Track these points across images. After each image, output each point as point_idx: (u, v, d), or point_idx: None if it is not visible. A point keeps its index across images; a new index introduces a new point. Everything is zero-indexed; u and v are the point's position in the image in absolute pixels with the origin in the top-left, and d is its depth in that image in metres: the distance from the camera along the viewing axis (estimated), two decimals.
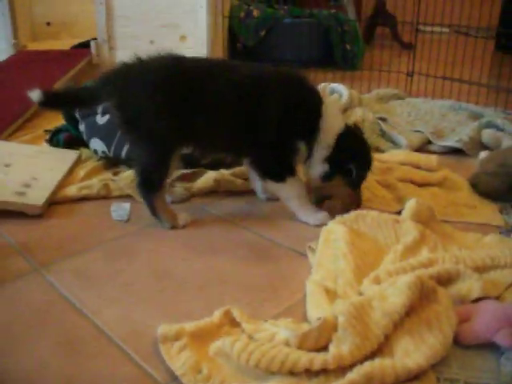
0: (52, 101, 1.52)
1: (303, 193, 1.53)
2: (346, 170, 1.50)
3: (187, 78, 1.44)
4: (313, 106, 1.50)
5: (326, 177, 1.52)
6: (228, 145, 1.54)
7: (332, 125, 1.50)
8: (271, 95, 1.46)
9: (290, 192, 1.52)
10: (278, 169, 1.51)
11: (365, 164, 1.54)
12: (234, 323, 1.05)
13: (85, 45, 3.26)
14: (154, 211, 1.49)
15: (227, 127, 1.48)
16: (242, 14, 3.66)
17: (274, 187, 1.53)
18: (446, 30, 3.61)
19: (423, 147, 2.10)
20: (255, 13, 3.67)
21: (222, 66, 1.56)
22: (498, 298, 1.14)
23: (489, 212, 1.58)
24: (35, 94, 1.46)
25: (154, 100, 1.41)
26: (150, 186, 1.47)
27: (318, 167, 1.52)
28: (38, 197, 1.57)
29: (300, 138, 1.49)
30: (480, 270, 1.20)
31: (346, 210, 1.45)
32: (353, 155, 1.51)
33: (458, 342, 1.01)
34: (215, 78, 1.46)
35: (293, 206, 1.53)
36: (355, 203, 1.53)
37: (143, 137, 1.44)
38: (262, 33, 3.66)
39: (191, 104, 1.43)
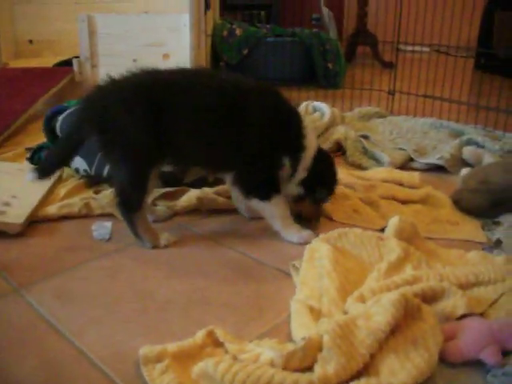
0: (50, 170, 1.51)
1: (287, 211, 1.52)
2: (314, 191, 1.54)
3: (162, 92, 1.42)
4: (296, 122, 1.51)
5: (299, 199, 1.55)
6: (209, 159, 1.51)
7: (311, 146, 1.52)
8: (254, 107, 1.45)
9: (274, 211, 1.51)
10: (263, 186, 1.50)
11: (331, 188, 1.58)
12: (218, 343, 1.03)
13: (67, 62, 3.24)
14: (135, 231, 1.47)
15: (208, 140, 1.45)
16: (225, 33, 3.69)
17: (259, 206, 1.51)
18: (426, 49, 3.67)
19: (405, 165, 2.11)
20: (238, 31, 3.70)
21: (199, 75, 1.53)
22: (482, 314, 1.14)
23: (471, 228, 1.59)
24: (30, 176, 1.46)
25: (129, 117, 1.39)
26: (130, 205, 1.45)
27: (294, 189, 1.53)
28: (17, 215, 1.54)
29: (285, 154, 1.48)
30: (464, 286, 1.20)
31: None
32: (323, 179, 1.56)
33: (443, 360, 1.01)
34: (192, 90, 1.43)
35: (277, 224, 1.52)
36: (317, 217, 1.61)
37: (121, 156, 1.42)
38: (245, 51, 3.68)
39: (167, 119, 1.41)
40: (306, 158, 1.50)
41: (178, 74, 1.49)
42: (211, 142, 1.45)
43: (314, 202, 1.57)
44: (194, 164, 1.55)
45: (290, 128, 1.50)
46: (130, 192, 1.43)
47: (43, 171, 1.47)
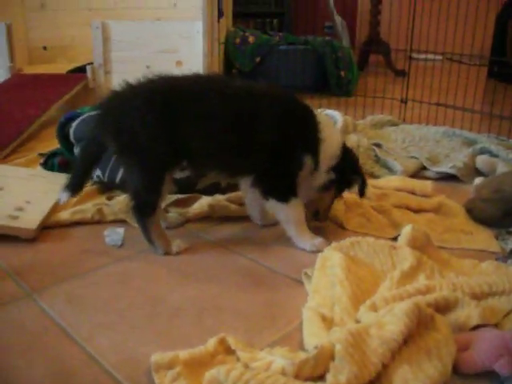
0: (79, 186, 1.53)
1: (303, 217, 1.52)
2: (346, 180, 1.56)
3: (178, 98, 1.43)
4: (310, 118, 1.51)
5: (327, 186, 1.54)
6: (229, 164, 1.50)
7: (333, 135, 1.53)
8: (269, 109, 1.45)
9: (290, 214, 1.50)
10: (283, 187, 1.49)
11: (365, 178, 1.60)
12: (229, 351, 1.03)
13: (81, 69, 3.27)
14: (148, 236, 1.47)
15: (226, 145, 1.45)
16: (238, 41, 3.70)
17: (277, 207, 1.50)
18: (439, 57, 3.66)
19: (418, 173, 2.10)
20: (251, 39, 3.71)
21: (214, 81, 1.54)
22: (496, 325, 1.13)
23: (485, 238, 1.57)
24: (64, 197, 1.50)
25: (144, 122, 1.39)
26: (144, 210, 1.45)
27: (322, 176, 1.52)
28: (31, 221, 1.55)
29: (306, 151, 1.48)
30: (478, 297, 1.19)
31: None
32: (357, 167, 1.59)
33: (457, 370, 1.00)
34: (209, 95, 1.43)
35: (291, 229, 1.52)
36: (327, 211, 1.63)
37: (136, 161, 1.43)
38: (258, 59, 3.69)
39: (185, 124, 1.41)
40: (327, 149, 1.50)
41: (194, 80, 1.50)
42: (230, 146, 1.45)
43: (340, 191, 1.59)
44: (214, 169, 1.53)
45: (306, 125, 1.50)
46: (144, 196, 1.44)
47: (73, 188, 1.50)
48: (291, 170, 1.48)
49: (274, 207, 1.51)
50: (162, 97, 1.42)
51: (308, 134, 1.49)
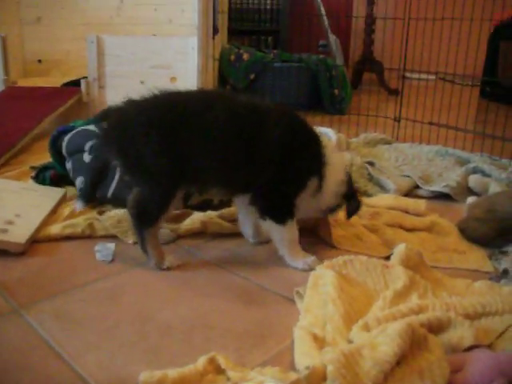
0: (92, 196, 1.60)
1: (297, 237, 1.51)
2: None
3: (182, 113, 1.41)
4: (318, 142, 1.51)
5: (334, 209, 1.57)
6: (231, 180, 1.48)
7: (340, 160, 1.56)
8: (274, 128, 1.43)
9: (285, 235, 1.49)
10: (282, 208, 1.48)
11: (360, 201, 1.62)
12: (219, 370, 1.01)
13: (75, 83, 3.27)
14: (143, 245, 1.45)
15: (231, 161, 1.43)
16: (233, 57, 3.71)
17: (272, 227, 1.49)
18: (432, 77, 3.69)
19: (411, 192, 2.10)
20: (245, 56, 3.72)
21: (218, 97, 1.50)
22: (489, 346, 1.12)
23: (478, 258, 1.57)
24: (80, 205, 1.56)
25: (150, 140, 1.38)
26: (146, 219, 1.43)
27: (331, 200, 1.53)
28: (20, 235, 1.53)
29: (313, 175, 1.48)
30: (471, 317, 1.18)
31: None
32: (355, 191, 1.61)
33: None
34: (214, 111, 1.41)
35: (284, 248, 1.51)
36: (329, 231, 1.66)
37: (143, 177, 1.42)
38: (252, 76, 3.71)
39: (187, 141, 1.39)
40: (336, 171, 1.50)
41: (198, 96, 1.49)
42: (233, 163, 1.43)
43: (349, 215, 1.59)
44: (216, 186, 1.49)
45: (310, 147, 1.49)
46: (149, 207, 1.42)
47: (86, 198, 1.56)
48: (292, 191, 1.47)
49: (270, 227, 1.49)
50: (166, 113, 1.40)
51: (313, 156, 1.48)
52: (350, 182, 1.56)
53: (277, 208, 1.48)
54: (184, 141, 1.39)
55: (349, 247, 1.60)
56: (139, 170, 1.42)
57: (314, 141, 1.50)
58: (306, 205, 1.50)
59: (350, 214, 1.59)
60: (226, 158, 1.42)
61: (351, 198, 1.56)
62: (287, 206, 1.48)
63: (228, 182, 1.48)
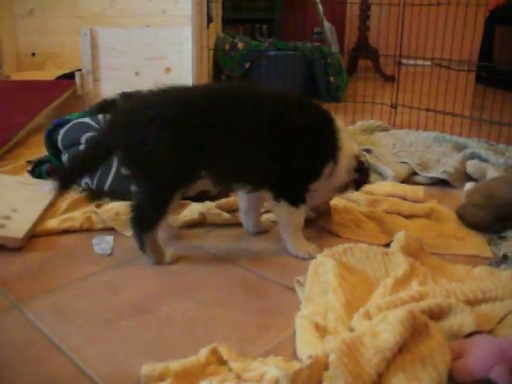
0: (67, 184, 1.46)
1: (302, 224, 1.50)
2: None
3: (197, 109, 1.36)
4: (334, 127, 1.51)
5: (347, 186, 1.57)
6: (256, 174, 1.45)
7: (349, 136, 1.56)
8: (299, 117, 1.43)
9: (295, 219, 1.48)
10: (298, 192, 1.47)
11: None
12: (221, 361, 1.01)
13: (69, 76, 3.25)
14: (142, 248, 1.43)
15: (256, 156, 1.41)
16: (227, 47, 3.69)
17: (284, 210, 1.46)
18: (428, 63, 3.67)
19: (409, 178, 2.10)
20: (240, 45, 3.70)
21: (235, 90, 1.45)
22: (490, 331, 1.12)
23: (477, 243, 1.57)
24: (45, 188, 1.40)
25: (160, 137, 1.33)
26: (145, 224, 1.40)
27: (344, 177, 1.53)
28: (18, 229, 1.52)
29: (331, 160, 1.48)
30: (471, 303, 1.18)
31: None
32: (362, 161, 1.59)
33: (452, 379, 0.98)
34: (231, 106, 1.38)
35: (288, 233, 1.50)
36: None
37: (146, 176, 1.37)
38: (247, 65, 3.69)
39: (206, 138, 1.35)
40: (344, 154, 1.50)
41: (213, 91, 1.44)
42: (258, 157, 1.41)
43: (358, 186, 1.60)
44: (238, 182, 1.47)
45: (330, 135, 1.49)
46: (148, 211, 1.39)
47: (61, 184, 1.40)
48: (311, 176, 1.47)
49: (281, 210, 1.47)
50: (178, 109, 1.36)
51: (331, 142, 1.48)
52: (359, 154, 1.56)
53: (293, 191, 1.47)
54: (203, 139, 1.35)
55: (349, 235, 1.60)
56: (145, 169, 1.36)
57: (332, 127, 1.50)
58: (322, 185, 1.51)
59: (359, 186, 1.59)
60: (252, 152, 1.40)
61: (361, 170, 1.56)
62: (303, 189, 1.48)
63: (253, 175, 1.46)
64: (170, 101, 1.38)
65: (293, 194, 1.47)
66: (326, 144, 1.48)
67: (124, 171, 1.45)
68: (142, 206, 1.39)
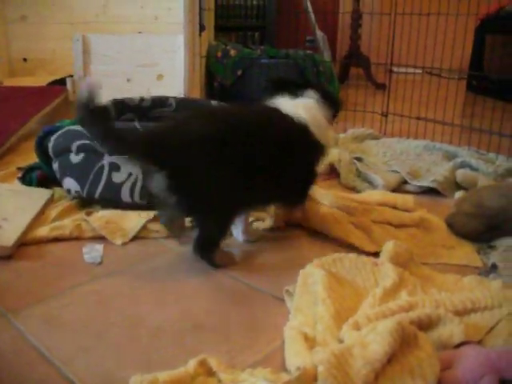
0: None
1: None
2: None
3: (245, 130, 1.39)
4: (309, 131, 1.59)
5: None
6: (286, 194, 1.57)
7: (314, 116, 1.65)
8: (311, 138, 1.52)
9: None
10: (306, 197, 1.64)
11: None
12: (210, 373, 1.00)
13: (61, 81, 3.24)
14: (214, 265, 1.45)
15: (290, 176, 1.51)
16: (219, 54, 3.70)
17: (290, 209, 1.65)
18: (419, 70, 3.69)
19: (399, 187, 2.11)
20: (232, 53, 3.71)
21: (269, 112, 1.51)
22: (479, 342, 1.12)
23: (467, 253, 1.57)
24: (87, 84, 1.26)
25: (217, 159, 1.31)
26: (212, 248, 1.44)
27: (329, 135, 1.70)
28: (7, 238, 1.51)
29: (322, 155, 1.63)
30: (460, 313, 1.18)
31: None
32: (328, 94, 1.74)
33: None
34: (274, 128, 1.45)
35: (267, 221, 1.69)
36: None
37: (207, 203, 1.36)
38: (239, 72, 3.69)
39: (251, 159, 1.37)
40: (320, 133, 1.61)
41: (254, 113, 1.49)
42: (290, 177, 1.52)
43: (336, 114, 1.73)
44: (274, 202, 1.61)
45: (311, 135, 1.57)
46: (214, 238, 1.43)
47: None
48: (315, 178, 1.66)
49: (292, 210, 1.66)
50: (240, 130, 1.37)
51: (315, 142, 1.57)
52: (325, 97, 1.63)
53: (305, 196, 1.63)
54: (255, 159, 1.38)
55: (339, 236, 1.62)
56: (201, 195, 1.33)
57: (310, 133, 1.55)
58: None
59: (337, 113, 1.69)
60: (288, 172, 1.49)
61: (334, 104, 1.65)
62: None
63: (284, 195, 1.56)
64: (228, 120, 1.38)
65: (304, 198, 1.63)
66: (316, 146, 1.56)
67: (176, 201, 1.35)
68: (208, 236, 1.42)
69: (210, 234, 1.42)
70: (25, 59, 3.75)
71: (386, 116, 3.02)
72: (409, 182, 2.12)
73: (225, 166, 1.33)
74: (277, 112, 1.50)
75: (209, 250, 1.44)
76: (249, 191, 1.40)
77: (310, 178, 1.60)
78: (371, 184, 2.12)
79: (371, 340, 1.01)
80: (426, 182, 2.09)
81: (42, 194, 1.84)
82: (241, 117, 1.42)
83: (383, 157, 2.43)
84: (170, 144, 1.31)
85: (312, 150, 1.54)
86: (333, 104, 1.64)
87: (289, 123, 1.48)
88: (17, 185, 1.97)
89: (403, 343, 1.02)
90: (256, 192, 1.44)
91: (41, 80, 3.45)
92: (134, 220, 1.67)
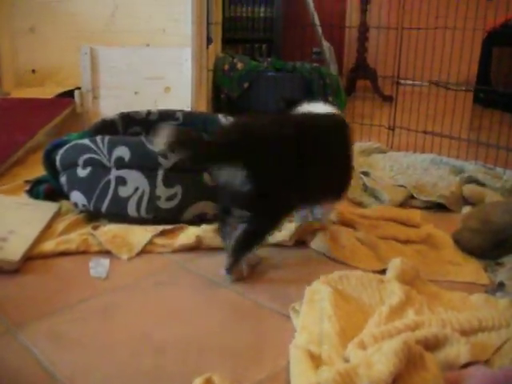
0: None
1: None
2: None
3: (316, 134, 1.51)
4: None
5: None
6: (330, 189, 1.66)
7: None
8: (348, 137, 1.67)
9: None
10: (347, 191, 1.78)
11: None
12: None
13: (69, 93, 3.25)
14: (232, 268, 1.46)
15: (336, 172, 1.64)
16: (226, 67, 3.71)
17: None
18: (426, 83, 3.69)
19: (406, 202, 2.10)
20: (239, 65, 3.72)
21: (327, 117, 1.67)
22: (486, 362, 1.11)
23: (474, 270, 1.56)
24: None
25: (291, 158, 1.43)
26: (255, 244, 1.46)
27: None
28: (14, 252, 1.52)
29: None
30: (467, 333, 1.17)
31: None
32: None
33: None
34: (336, 132, 1.62)
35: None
36: None
37: (273, 204, 1.44)
38: (246, 85, 3.70)
39: (316, 160, 1.50)
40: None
41: (313, 117, 1.63)
42: (340, 172, 1.67)
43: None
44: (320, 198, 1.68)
45: None
46: (263, 234, 1.47)
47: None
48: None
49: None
50: (309, 133, 1.50)
51: None
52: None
53: (347, 189, 1.77)
54: (315, 160, 1.50)
55: (342, 259, 1.59)
56: (271, 195, 1.41)
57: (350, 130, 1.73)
58: None
59: None
60: (340, 167, 1.66)
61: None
62: None
63: (333, 190, 1.68)
64: (299, 124, 1.53)
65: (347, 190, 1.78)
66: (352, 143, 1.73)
67: (247, 203, 1.41)
68: (257, 234, 1.45)
69: (261, 229, 1.45)
70: (33, 70, 3.77)
71: (393, 129, 3.01)
72: (415, 196, 2.11)
73: (298, 161, 1.45)
74: (331, 116, 1.67)
75: (251, 245, 1.45)
76: (310, 187, 1.51)
77: (351, 171, 1.73)
78: (378, 199, 2.11)
79: (377, 360, 1.00)
80: (432, 197, 2.08)
81: (49, 208, 1.85)
82: (309, 121, 1.58)
83: (390, 171, 2.42)
84: (257, 143, 1.42)
85: (351, 146, 1.68)
86: None
87: (341, 123, 1.65)
88: (24, 198, 1.98)
89: (409, 363, 1.02)
90: (314, 188, 1.54)
91: (48, 91, 3.46)
92: (141, 234, 1.67)
